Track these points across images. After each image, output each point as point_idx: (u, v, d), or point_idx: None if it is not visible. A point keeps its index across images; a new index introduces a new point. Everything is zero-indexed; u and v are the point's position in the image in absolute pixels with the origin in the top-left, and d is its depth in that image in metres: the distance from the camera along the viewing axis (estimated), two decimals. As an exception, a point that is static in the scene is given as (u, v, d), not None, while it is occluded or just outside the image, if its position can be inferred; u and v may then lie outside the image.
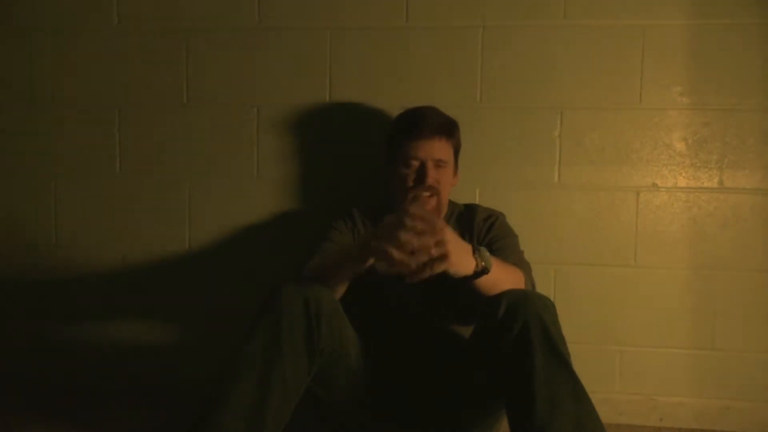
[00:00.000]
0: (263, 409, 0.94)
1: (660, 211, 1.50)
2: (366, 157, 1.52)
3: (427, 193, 1.24)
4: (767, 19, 1.44)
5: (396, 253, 0.91)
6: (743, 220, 1.48)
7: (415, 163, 1.25)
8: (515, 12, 1.49)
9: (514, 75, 1.51)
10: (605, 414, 1.29)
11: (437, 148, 1.24)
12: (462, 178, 1.48)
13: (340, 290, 1.07)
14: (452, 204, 1.37)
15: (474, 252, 1.00)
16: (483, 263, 0.99)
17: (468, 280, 1.00)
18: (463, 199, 1.43)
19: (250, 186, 1.59)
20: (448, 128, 1.27)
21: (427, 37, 1.52)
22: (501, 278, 1.04)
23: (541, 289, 1.24)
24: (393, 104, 1.43)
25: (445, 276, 0.96)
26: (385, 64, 1.54)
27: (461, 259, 0.96)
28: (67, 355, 1.68)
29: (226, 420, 0.93)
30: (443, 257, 0.92)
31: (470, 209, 1.35)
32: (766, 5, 1.44)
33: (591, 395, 0.92)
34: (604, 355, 1.53)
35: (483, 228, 1.29)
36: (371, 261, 1.02)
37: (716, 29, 1.45)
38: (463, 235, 1.29)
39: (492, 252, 1.22)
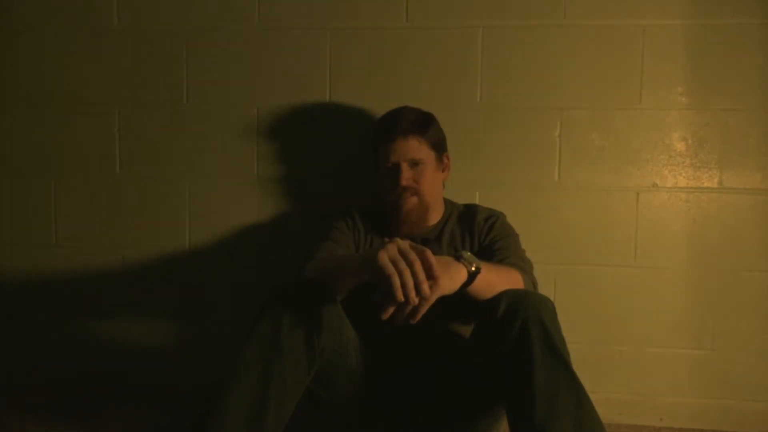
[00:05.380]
0: (263, 409, 0.94)
1: (660, 211, 1.50)
2: (366, 157, 1.52)
3: (406, 194, 1.25)
4: (767, 19, 1.44)
5: (401, 296, 0.87)
6: (743, 220, 1.48)
7: (390, 166, 1.27)
8: (515, 12, 1.49)
9: (514, 75, 1.51)
10: (605, 414, 1.29)
11: (409, 148, 1.25)
12: (462, 178, 1.49)
13: (341, 292, 1.07)
14: (451, 204, 1.37)
15: (458, 260, 0.98)
16: (472, 267, 0.98)
17: (463, 287, 0.98)
18: (463, 199, 1.43)
19: (250, 186, 1.59)
20: (418, 126, 1.27)
21: (427, 37, 1.52)
22: (495, 280, 1.04)
23: (541, 289, 1.24)
24: (393, 104, 1.42)
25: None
26: (385, 64, 1.54)
27: (451, 276, 0.95)
28: (67, 355, 1.69)
29: (226, 420, 0.93)
30: (433, 289, 0.89)
31: (470, 209, 1.34)
32: (766, 5, 1.44)
33: (591, 395, 0.92)
34: (604, 355, 1.53)
35: (484, 228, 1.29)
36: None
37: (716, 29, 1.45)
38: (463, 236, 1.30)
39: (493, 252, 1.22)
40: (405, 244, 0.91)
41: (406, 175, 1.25)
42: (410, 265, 0.88)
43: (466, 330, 1.21)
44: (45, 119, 1.65)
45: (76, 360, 1.68)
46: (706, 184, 1.49)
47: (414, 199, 1.26)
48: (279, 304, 1.00)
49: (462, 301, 1.01)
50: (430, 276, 0.89)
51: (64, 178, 1.65)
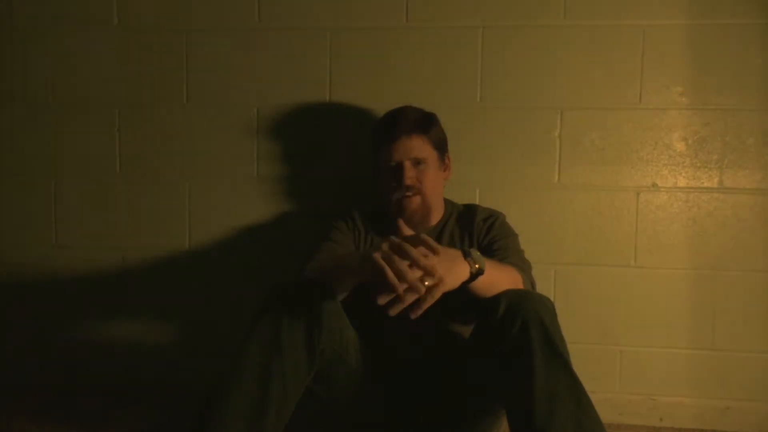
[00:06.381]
0: (263, 409, 0.94)
1: (660, 211, 1.50)
2: (366, 158, 1.52)
3: (409, 193, 1.25)
4: (767, 19, 1.44)
5: (399, 287, 0.87)
6: (743, 220, 1.48)
7: (393, 165, 1.26)
8: (515, 12, 1.49)
9: (514, 75, 1.51)
10: (605, 414, 1.29)
11: (413, 147, 1.25)
12: (462, 178, 1.49)
13: (341, 291, 1.07)
14: (451, 204, 1.37)
15: (466, 256, 0.98)
16: (477, 266, 0.98)
17: (464, 285, 0.98)
18: (463, 199, 1.43)
19: (250, 186, 1.59)
20: (421, 125, 1.27)
21: (427, 37, 1.52)
22: (497, 279, 1.04)
23: (541, 289, 1.24)
24: (393, 104, 1.43)
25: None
26: (385, 64, 1.54)
27: (454, 273, 0.95)
28: (67, 355, 1.68)
29: (226, 420, 0.93)
30: (437, 285, 0.89)
31: (470, 209, 1.34)
32: (766, 5, 1.44)
33: (591, 395, 0.92)
34: (604, 355, 1.53)
35: (483, 228, 1.29)
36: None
37: (716, 29, 1.45)
38: (462, 236, 1.30)
39: (492, 252, 1.22)
40: (397, 240, 0.91)
41: (410, 174, 1.25)
42: (407, 256, 0.88)
43: (466, 330, 1.21)
44: (45, 119, 1.64)
45: (76, 360, 1.68)
46: (706, 184, 1.49)
47: (417, 199, 1.26)
48: (279, 304, 1.00)
49: (462, 301, 1.01)
50: (431, 251, 0.91)
51: (64, 178, 1.65)
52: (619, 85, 1.48)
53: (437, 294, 0.89)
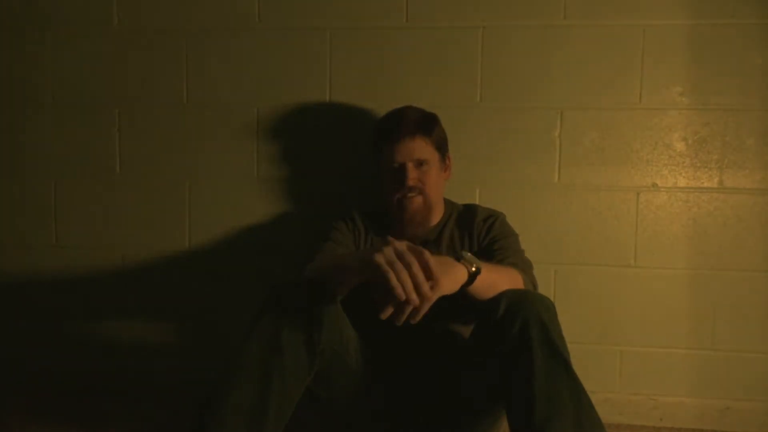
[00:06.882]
0: (264, 409, 0.94)
1: (660, 211, 1.50)
2: (366, 158, 1.52)
3: (411, 194, 1.25)
4: (767, 19, 1.44)
5: (399, 290, 0.86)
6: (743, 220, 1.48)
7: (396, 166, 1.26)
8: (515, 12, 1.49)
9: (514, 75, 1.51)
10: (605, 414, 1.29)
11: (415, 148, 1.25)
12: (462, 178, 1.49)
13: (341, 291, 1.07)
14: (451, 204, 1.37)
15: (458, 260, 0.98)
16: (473, 267, 0.98)
17: (463, 287, 0.98)
18: (463, 199, 1.43)
19: (250, 186, 1.59)
20: (424, 126, 1.27)
21: (427, 37, 1.52)
22: (495, 280, 1.04)
23: (541, 289, 1.24)
24: (393, 104, 1.43)
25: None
26: (385, 64, 1.54)
27: (451, 276, 0.94)
28: (66, 355, 1.68)
29: (226, 420, 0.93)
30: (433, 288, 0.89)
31: (470, 210, 1.34)
32: (766, 5, 1.44)
33: (591, 395, 0.92)
34: (604, 355, 1.53)
35: (483, 228, 1.29)
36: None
37: (716, 29, 1.45)
38: (462, 236, 1.30)
39: (492, 252, 1.22)
40: (402, 245, 0.91)
41: (412, 175, 1.25)
42: (408, 266, 0.88)
43: (466, 330, 1.21)
44: (45, 119, 1.65)
45: (77, 360, 1.68)
46: (706, 184, 1.49)
47: (419, 200, 1.26)
48: (279, 304, 1.00)
49: (462, 301, 1.01)
50: (429, 276, 0.89)
51: (64, 178, 1.65)
52: (619, 85, 1.48)
53: (433, 298, 0.89)
